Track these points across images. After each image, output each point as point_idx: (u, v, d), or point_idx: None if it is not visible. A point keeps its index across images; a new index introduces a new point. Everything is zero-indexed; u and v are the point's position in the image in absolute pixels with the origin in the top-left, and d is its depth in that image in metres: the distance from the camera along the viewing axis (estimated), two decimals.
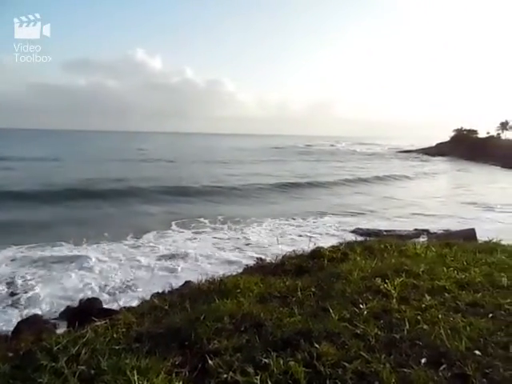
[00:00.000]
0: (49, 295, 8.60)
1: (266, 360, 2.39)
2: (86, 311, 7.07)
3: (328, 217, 18.71)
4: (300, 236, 14.78)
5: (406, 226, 17.12)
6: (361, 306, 3.15)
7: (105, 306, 7.89)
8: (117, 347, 2.59)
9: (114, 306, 7.50)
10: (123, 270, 10.31)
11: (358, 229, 16.23)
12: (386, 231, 15.71)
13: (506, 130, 70.56)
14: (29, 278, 9.33)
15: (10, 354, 2.67)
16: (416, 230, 16.26)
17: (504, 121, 71.01)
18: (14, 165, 34.91)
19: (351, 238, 10.27)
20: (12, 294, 8.64)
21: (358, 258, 4.56)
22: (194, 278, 5.31)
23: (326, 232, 15.63)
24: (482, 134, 69.81)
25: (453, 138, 71.86)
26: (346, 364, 2.34)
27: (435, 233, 15.28)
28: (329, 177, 33.00)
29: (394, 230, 15.97)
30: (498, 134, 70.60)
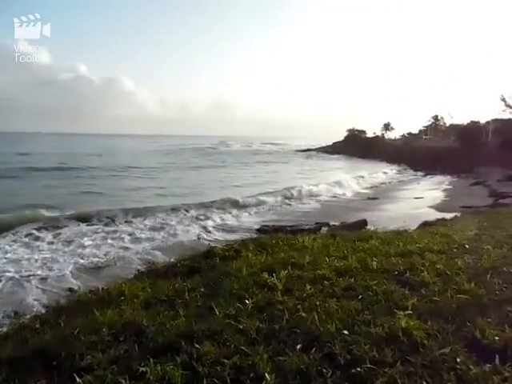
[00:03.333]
0: None
1: (143, 368, 2.29)
2: None
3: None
4: None
5: None
6: (246, 302, 3.22)
7: None
8: None
9: None
10: None
11: (264, 226, 16.76)
12: (289, 226, 16.50)
13: (389, 130, 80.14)
14: None
15: None
16: (317, 223, 17.43)
17: (387, 122, 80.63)
18: None
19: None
20: None
21: (250, 255, 4.68)
22: None
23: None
24: (369, 134, 78.08)
25: (346, 138, 78.82)
26: (225, 360, 2.36)
27: (334, 225, 16.56)
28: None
29: (297, 225, 16.87)
30: (382, 134, 79.79)
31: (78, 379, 2.18)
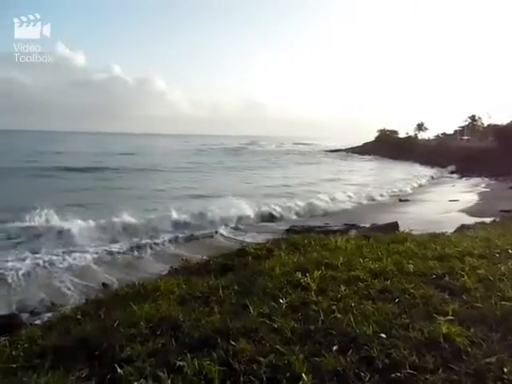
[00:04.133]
0: None
1: (181, 362, 2.32)
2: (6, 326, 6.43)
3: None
4: None
5: None
6: (280, 301, 3.21)
7: None
8: (14, 365, 2.35)
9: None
10: None
11: (293, 226, 16.68)
12: (318, 227, 16.34)
13: (422, 130, 77.90)
14: None
15: None
16: (346, 224, 17.16)
17: (420, 122, 78.35)
18: None
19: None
20: None
21: (282, 254, 4.67)
22: None
23: None
24: (401, 135, 76.15)
25: (377, 138, 77.20)
26: (261, 358, 2.36)
27: (364, 226, 16.27)
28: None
29: (326, 226, 16.70)
30: (416, 134, 77.63)
31: (119, 370, 2.24)
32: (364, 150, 72.45)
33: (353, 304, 3.16)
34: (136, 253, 10.42)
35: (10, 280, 8.42)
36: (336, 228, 16.64)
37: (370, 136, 79.97)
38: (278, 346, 2.52)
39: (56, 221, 12.14)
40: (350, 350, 2.46)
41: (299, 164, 47.07)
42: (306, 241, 5.39)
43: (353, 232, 14.10)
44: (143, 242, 11.15)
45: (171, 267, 4.90)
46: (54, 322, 3.14)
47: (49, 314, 7.55)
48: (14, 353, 2.52)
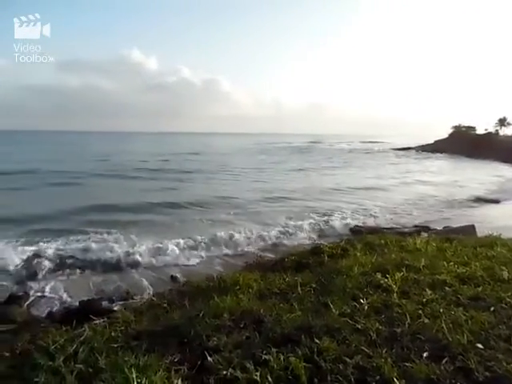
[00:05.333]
0: None
1: (266, 356, 2.36)
2: (84, 311, 7.06)
3: None
4: None
5: None
6: (361, 301, 3.13)
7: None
8: (115, 345, 2.56)
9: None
10: None
11: (358, 226, 16.17)
12: (386, 228, 15.66)
13: (504, 126, 70.63)
14: None
15: (7, 354, 2.65)
16: (416, 226, 16.23)
17: (502, 117, 71.06)
18: None
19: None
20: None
21: (359, 254, 4.54)
22: None
23: None
24: (479, 131, 69.84)
25: (451, 135, 71.78)
26: (347, 359, 2.31)
27: (435, 229, 15.25)
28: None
29: (394, 228, 15.96)
30: (496, 130, 70.62)
31: (209, 358, 2.34)
32: (436, 148, 67.76)
33: (441, 310, 2.97)
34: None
35: (93, 270, 9.29)
36: (406, 230, 15.82)
37: (442, 133, 74.63)
38: (363, 348, 2.45)
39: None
40: (444, 359, 2.31)
41: (378, 164, 43.59)
42: (382, 241, 5.18)
43: (424, 234, 13.30)
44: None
45: (246, 263, 5.01)
46: (144, 309, 3.36)
47: (126, 301, 8.22)
48: (113, 334, 2.75)
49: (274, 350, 2.42)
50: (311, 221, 13.89)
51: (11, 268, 9.00)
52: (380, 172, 33.12)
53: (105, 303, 8.34)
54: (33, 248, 10.06)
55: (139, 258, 9.75)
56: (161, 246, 10.32)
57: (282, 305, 3.12)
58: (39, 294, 8.21)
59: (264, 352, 2.41)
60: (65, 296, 8.17)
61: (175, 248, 10.20)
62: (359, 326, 2.73)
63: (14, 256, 9.49)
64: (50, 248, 10.17)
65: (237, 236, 11.20)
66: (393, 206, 17.53)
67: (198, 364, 2.35)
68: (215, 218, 14.00)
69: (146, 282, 8.51)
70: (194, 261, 9.72)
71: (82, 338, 2.62)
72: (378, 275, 3.66)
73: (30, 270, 9.04)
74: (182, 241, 10.68)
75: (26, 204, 16.06)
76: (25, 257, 9.51)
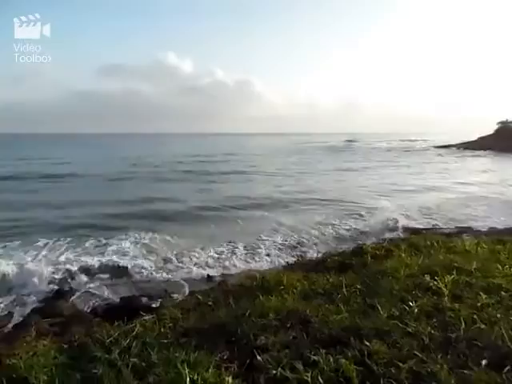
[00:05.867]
0: None
1: (315, 357, 2.33)
2: (126, 307, 7.34)
3: None
4: None
5: None
6: (410, 304, 3.02)
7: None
8: (165, 341, 2.63)
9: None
10: None
11: (402, 227, 15.61)
12: (426, 229, 15.07)
13: None
14: None
15: (65, 346, 2.78)
16: (457, 227, 15.51)
17: None
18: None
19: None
20: None
21: (403, 255, 4.39)
22: None
23: None
24: None
25: (497, 131, 67.90)
26: (400, 363, 2.24)
27: (479, 230, 14.49)
28: None
29: (434, 228, 15.34)
30: None
31: (258, 357, 2.35)
32: (480, 145, 64.22)
33: (498, 315, 2.82)
34: None
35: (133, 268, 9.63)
36: (447, 231, 15.14)
37: (485, 130, 70.67)
38: (416, 352, 2.36)
39: None
40: (506, 368, 2.18)
41: (419, 162, 41.19)
42: (427, 242, 4.99)
43: (467, 236, 12.65)
44: None
45: (287, 263, 4.99)
46: (191, 306, 3.43)
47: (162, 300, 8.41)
48: (162, 330, 2.83)
49: (322, 351, 2.40)
50: (353, 220, 13.62)
51: (62, 265, 9.48)
52: (422, 170, 31.74)
53: (145, 300, 8.62)
54: (80, 248, 10.57)
55: (175, 258, 9.99)
56: (200, 246, 10.50)
57: (327, 305, 3.08)
58: (83, 290, 8.61)
59: (312, 353, 2.39)
60: (106, 293, 8.51)
61: (215, 249, 10.34)
62: (410, 330, 2.64)
63: (64, 253, 10.01)
64: (93, 247, 10.66)
65: (279, 237, 11.17)
66: (435, 205, 16.83)
67: (247, 362, 2.36)
68: (259, 216, 13.96)
69: (182, 282, 8.67)
70: (235, 261, 9.81)
71: (133, 333, 2.72)
72: (427, 277, 3.53)
73: (74, 267, 9.53)
74: (224, 243, 10.81)
75: (74, 200, 16.97)
76: (72, 256, 10.02)
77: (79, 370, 2.32)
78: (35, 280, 8.31)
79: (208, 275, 8.74)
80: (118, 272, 9.56)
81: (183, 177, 27.45)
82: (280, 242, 10.57)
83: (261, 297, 3.25)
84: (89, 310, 7.93)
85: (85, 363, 2.38)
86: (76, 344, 2.67)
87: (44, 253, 9.97)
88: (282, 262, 7.85)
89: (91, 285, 8.91)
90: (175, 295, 8.15)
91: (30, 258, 9.47)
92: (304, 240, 11.31)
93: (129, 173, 28.12)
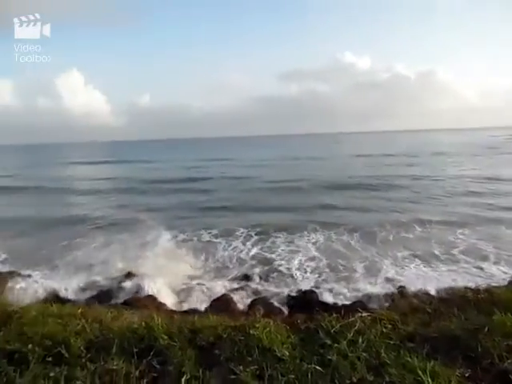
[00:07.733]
0: None
1: None
2: (305, 301, 7.62)
3: None
4: None
5: None
6: None
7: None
8: (391, 342, 2.53)
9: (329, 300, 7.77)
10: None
11: None
12: None
13: None
14: None
15: (287, 327, 3.00)
16: None
17: None
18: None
19: None
20: None
21: None
22: None
23: None
24: None
25: None
26: None
27: None
28: None
29: None
30: None
31: None
32: None
33: None
34: None
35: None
36: None
37: None
38: None
39: None
40: None
41: None
42: None
43: None
44: None
45: None
46: (407, 310, 3.24)
47: None
48: (384, 330, 2.73)
49: None
50: None
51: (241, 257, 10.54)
52: None
53: (325, 295, 8.68)
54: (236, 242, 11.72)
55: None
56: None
57: None
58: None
59: None
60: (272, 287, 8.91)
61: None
62: None
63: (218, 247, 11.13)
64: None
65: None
66: None
67: None
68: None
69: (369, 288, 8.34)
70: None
71: (355, 328, 2.72)
72: None
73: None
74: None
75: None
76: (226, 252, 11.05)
77: (311, 353, 2.46)
78: None
79: (399, 286, 8.05)
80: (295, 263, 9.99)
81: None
82: None
83: (499, 313, 2.79)
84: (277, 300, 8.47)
85: (315, 348, 2.51)
86: (302, 328, 2.85)
87: None
88: None
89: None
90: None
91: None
92: None
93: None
